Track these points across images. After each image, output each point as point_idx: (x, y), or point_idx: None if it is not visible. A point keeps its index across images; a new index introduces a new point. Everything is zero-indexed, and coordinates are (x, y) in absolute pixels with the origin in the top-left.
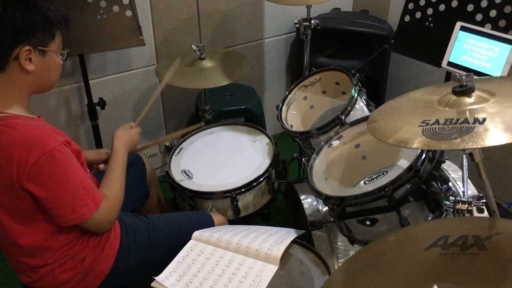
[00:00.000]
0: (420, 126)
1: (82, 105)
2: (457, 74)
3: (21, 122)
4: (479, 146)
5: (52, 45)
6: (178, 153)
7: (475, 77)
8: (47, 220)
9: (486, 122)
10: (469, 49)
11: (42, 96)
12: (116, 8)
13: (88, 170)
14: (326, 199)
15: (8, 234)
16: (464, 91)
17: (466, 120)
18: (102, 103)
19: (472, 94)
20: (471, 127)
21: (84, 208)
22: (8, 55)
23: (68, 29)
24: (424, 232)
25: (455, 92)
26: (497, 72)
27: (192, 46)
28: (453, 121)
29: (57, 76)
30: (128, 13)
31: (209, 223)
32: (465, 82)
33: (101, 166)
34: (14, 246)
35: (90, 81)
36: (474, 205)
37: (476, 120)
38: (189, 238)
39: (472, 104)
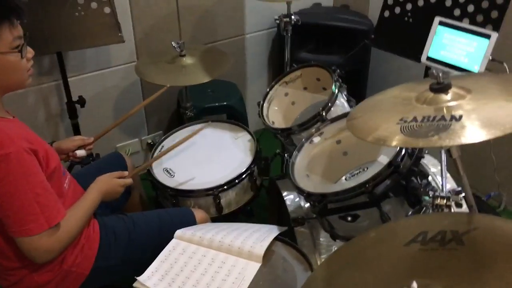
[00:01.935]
0: (398, 123)
1: (62, 103)
2: (434, 71)
3: None
4: (456, 144)
5: None
6: (159, 151)
7: (456, 72)
8: None
9: (462, 119)
10: (448, 44)
11: (20, 95)
12: (94, 5)
13: (67, 171)
14: (308, 196)
15: None
16: (441, 88)
17: (443, 118)
18: (81, 101)
19: (449, 91)
20: (448, 124)
21: (32, 223)
22: None
23: (21, 21)
24: (404, 228)
25: (432, 89)
26: (475, 66)
27: (172, 43)
28: (431, 119)
29: (20, 74)
30: (107, 9)
31: (190, 219)
32: (442, 79)
33: (77, 152)
34: None
35: (69, 79)
36: (453, 200)
37: (452, 117)
38: (170, 235)
39: (449, 101)
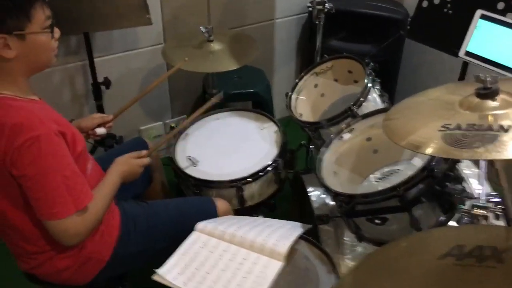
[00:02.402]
0: (440, 130)
1: (87, 84)
2: (481, 75)
3: (14, 104)
4: (503, 158)
5: (29, 26)
6: (183, 138)
7: (504, 73)
8: None
9: (511, 131)
10: (489, 39)
11: (46, 74)
12: None
13: (91, 156)
14: (335, 195)
15: (4, 217)
16: (488, 94)
17: (490, 127)
18: (107, 83)
19: (497, 97)
20: (496, 135)
21: (60, 206)
22: None
23: (46, 4)
24: (437, 239)
25: (478, 94)
26: None
27: (201, 28)
28: (476, 127)
29: (49, 55)
30: None
31: (211, 209)
32: (489, 84)
33: (97, 130)
34: (11, 230)
35: (95, 59)
36: (491, 211)
37: (501, 128)
38: (190, 225)
39: (496, 108)
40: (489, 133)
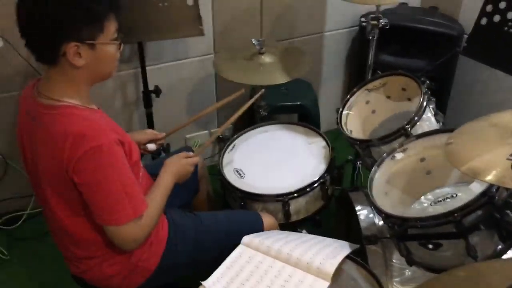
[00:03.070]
0: (509, 159)
1: (138, 91)
2: None
3: (77, 113)
4: None
5: (101, 37)
6: (231, 150)
7: None
8: None
9: None
10: None
11: None
12: None
13: (142, 166)
14: (387, 217)
15: (59, 222)
16: None
17: None
18: (157, 91)
19: None
20: None
21: (121, 212)
22: (55, 52)
23: (120, 15)
24: (498, 272)
25: None
26: None
27: (253, 40)
28: None
29: (113, 66)
30: (190, 1)
31: (258, 225)
32: None
33: (148, 146)
34: (64, 234)
35: (146, 68)
36: None
37: None
38: (237, 238)
39: None
40: None
